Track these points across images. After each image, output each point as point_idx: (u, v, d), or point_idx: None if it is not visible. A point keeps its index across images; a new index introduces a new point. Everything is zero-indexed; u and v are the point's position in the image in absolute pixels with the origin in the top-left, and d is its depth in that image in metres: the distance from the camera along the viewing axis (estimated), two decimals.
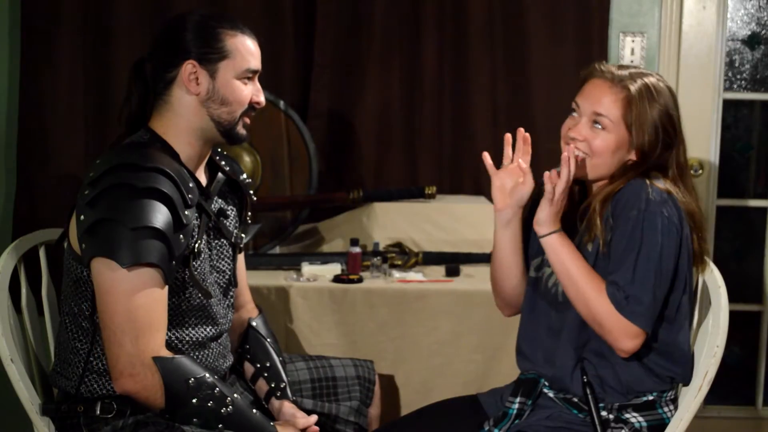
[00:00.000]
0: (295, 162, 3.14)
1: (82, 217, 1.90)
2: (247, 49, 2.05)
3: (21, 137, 3.27)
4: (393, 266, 2.92)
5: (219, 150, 2.22)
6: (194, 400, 1.90)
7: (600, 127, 2.05)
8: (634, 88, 2.03)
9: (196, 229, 2.01)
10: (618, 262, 1.97)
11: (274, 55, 3.24)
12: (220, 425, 1.93)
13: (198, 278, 2.01)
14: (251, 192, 2.27)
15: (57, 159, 3.24)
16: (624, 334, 1.95)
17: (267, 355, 2.26)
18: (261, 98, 2.09)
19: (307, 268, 2.87)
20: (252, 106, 2.08)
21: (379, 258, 2.90)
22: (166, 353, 1.90)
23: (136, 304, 1.86)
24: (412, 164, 3.35)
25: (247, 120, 2.08)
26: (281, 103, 3.12)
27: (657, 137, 2.04)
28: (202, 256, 2.04)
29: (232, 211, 2.20)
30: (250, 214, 2.28)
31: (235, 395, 1.97)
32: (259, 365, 2.25)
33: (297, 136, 3.13)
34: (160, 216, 1.88)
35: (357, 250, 2.87)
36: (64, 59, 3.23)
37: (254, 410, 1.99)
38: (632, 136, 2.04)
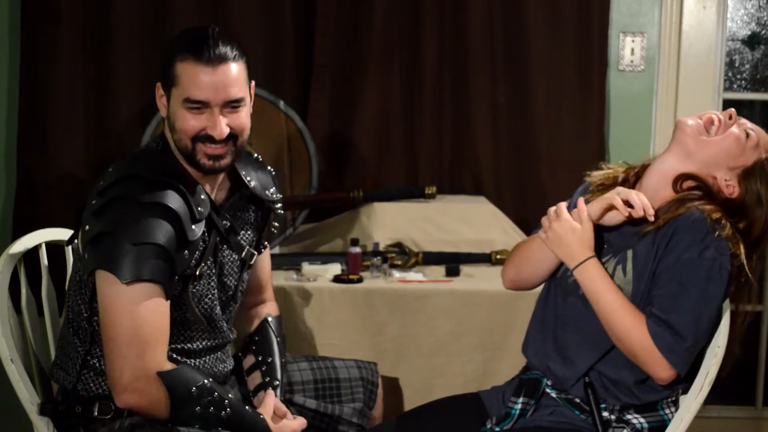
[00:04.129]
0: (295, 162, 3.14)
1: (87, 226, 1.90)
2: (191, 79, 1.88)
3: (21, 137, 3.26)
4: (393, 266, 2.92)
5: (254, 156, 2.17)
6: (197, 408, 1.90)
7: None
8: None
9: (201, 247, 2.00)
10: (666, 298, 1.94)
11: (274, 55, 3.25)
12: (219, 428, 1.93)
13: (193, 304, 2.00)
14: (277, 206, 2.21)
15: (57, 159, 3.23)
16: (660, 367, 1.93)
17: (270, 352, 2.26)
18: (215, 131, 1.90)
19: (307, 268, 2.86)
20: (208, 136, 1.92)
21: (379, 258, 2.90)
22: (169, 366, 1.91)
23: (139, 318, 1.85)
24: (412, 164, 3.35)
25: (210, 150, 1.92)
26: (281, 103, 3.11)
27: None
28: (203, 280, 2.02)
29: (250, 226, 2.16)
30: (276, 224, 2.24)
31: (230, 395, 1.98)
32: (260, 358, 2.25)
33: (297, 136, 3.13)
34: (163, 232, 1.87)
35: (357, 250, 2.87)
36: (64, 59, 3.22)
37: (246, 407, 2.00)
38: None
